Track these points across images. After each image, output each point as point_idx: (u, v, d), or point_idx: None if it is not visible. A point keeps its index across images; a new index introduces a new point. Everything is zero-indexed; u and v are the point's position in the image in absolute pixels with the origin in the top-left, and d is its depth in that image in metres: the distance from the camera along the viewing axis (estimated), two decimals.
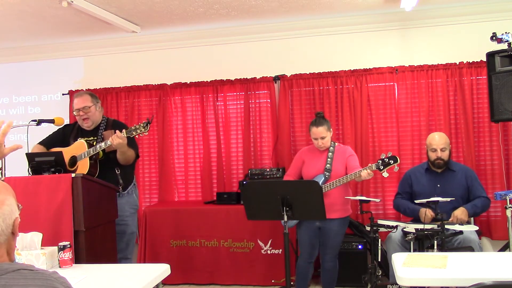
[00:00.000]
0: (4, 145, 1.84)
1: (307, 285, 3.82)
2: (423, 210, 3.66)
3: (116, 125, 3.61)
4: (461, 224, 3.49)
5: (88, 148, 3.37)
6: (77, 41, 5.23)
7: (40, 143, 3.62)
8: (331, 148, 3.65)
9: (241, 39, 5.00)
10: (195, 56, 5.13)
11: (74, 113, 3.57)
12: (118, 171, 3.50)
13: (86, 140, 3.46)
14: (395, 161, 3.40)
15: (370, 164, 3.48)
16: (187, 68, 5.13)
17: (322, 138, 3.58)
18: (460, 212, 3.60)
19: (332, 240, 3.60)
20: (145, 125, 3.24)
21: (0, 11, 4.10)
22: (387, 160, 3.40)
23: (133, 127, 3.28)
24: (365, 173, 3.38)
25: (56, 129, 3.73)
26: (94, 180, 3.13)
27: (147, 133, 3.31)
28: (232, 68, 5.01)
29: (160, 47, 5.18)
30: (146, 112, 5.18)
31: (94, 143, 3.47)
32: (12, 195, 1.33)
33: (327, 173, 3.57)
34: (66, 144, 3.55)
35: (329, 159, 3.60)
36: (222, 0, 4.07)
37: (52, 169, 3.12)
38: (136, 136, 3.34)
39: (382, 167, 3.40)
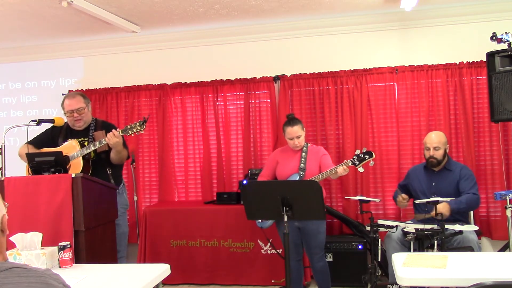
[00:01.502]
0: None
1: (302, 283, 3.83)
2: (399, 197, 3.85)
3: (106, 126, 3.63)
4: (461, 224, 3.49)
5: (80, 148, 3.38)
6: (77, 41, 5.24)
7: (30, 142, 3.59)
8: (304, 148, 3.70)
9: (241, 39, 5.00)
10: (195, 56, 5.13)
11: (67, 114, 3.55)
12: (109, 171, 3.52)
13: (77, 141, 3.47)
14: (370, 156, 3.46)
15: (345, 160, 3.54)
16: (187, 68, 5.13)
17: (298, 137, 3.63)
18: (442, 207, 3.53)
19: (315, 240, 3.60)
20: (141, 123, 3.25)
21: (0, 11, 4.10)
22: (362, 155, 3.47)
23: (129, 126, 3.29)
24: (341, 169, 3.44)
25: (44, 130, 3.73)
26: (94, 180, 3.13)
27: (143, 132, 3.32)
28: (232, 68, 5.01)
29: (160, 47, 5.18)
30: (146, 112, 5.17)
31: (86, 144, 3.47)
32: None
33: (301, 172, 3.60)
34: (55, 144, 3.56)
35: (302, 159, 3.65)
36: (222, 0, 4.07)
37: (52, 169, 3.12)
38: (132, 135, 3.35)
39: (357, 162, 3.47)
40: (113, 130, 3.27)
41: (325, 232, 3.68)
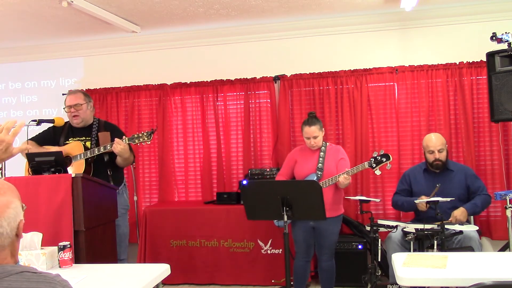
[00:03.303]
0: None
1: (305, 284, 3.83)
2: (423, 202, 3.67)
3: (109, 127, 3.64)
4: (461, 224, 3.49)
5: (84, 150, 3.39)
6: (77, 41, 5.24)
7: (32, 139, 3.62)
8: (323, 148, 3.68)
9: (241, 39, 5.00)
10: (195, 56, 5.13)
11: (65, 109, 3.58)
12: (110, 172, 3.52)
13: (79, 140, 3.48)
14: (388, 158, 3.46)
15: (363, 163, 3.54)
16: (187, 68, 5.13)
17: (315, 137, 3.61)
18: (460, 213, 3.60)
19: (327, 240, 3.61)
20: (148, 134, 3.27)
21: (0, 11, 4.10)
22: (379, 158, 3.47)
23: (135, 135, 3.30)
24: (342, 178, 3.44)
25: (47, 128, 3.74)
26: (94, 180, 3.14)
27: (149, 142, 3.33)
28: (232, 68, 5.00)
29: (160, 47, 5.18)
30: (146, 112, 5.18)
31: (88, 144, 3.48)
32: (17, 197, 1.34)
33: (319, 172, 3.59)
34: (56, 143, 3.57)
35: (321, 159, 3.63)
36: (222, 0, 4.07)
37: (52, 169, 3.12)
38: (138, 144, 3.36)
39: (374, 165, 3.47)
40: (117, 139, 3.27)
41: (338, 233, 3.68)
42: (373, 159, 3.47)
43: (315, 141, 3.62)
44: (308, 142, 3.65)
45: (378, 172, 3.49)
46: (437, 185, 3.49)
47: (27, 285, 1.18)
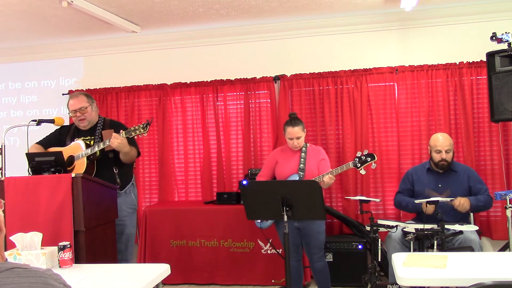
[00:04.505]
0: None
1: (302, 283, 3.84)
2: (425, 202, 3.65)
3: (114, 125, 3.62)
4: (461, 224, 3.49)
5: (85, 148, 3.38)
6: (77, 41, 5.24)
7: (38, 142, 3.62)
8: (304, 148, 3.69)
9: (241, 39, 5.00)
10: (195, 56, 5.13)
11: (70, 114, 3.56)
12: (116, 170, 3.50)
13: (83, 140, 3.47)
14: (372, 158, 3.47)
15: (347, 163, 3.55)
16: (187, 68, 5.13)
17: (298, 138, 3.62)
18: (464, 200, 3.58)
19: (314, 239, 3.60)
20: (144, 126, 3.25)
21: (0, 11, 4.10)
22: (363, 157, 3.48)
23: (132, 128, 3.28)
24: (327, 178, 3.45)
25: (53, 130, 3.74)
26: (94, 180, 3.13)
27: (146, 134, 3.31)
28: (232, 68, 5.01)
29: (160, 47, 5.18)
30: (146, 112, 5.18)
31: (92, 143, 3.47)
32: None
33: (301, 173, 3.60)
34: (63, 144, 3.56)
35: (302, 159, 3.64)
36: (222, 0, 4.07)
37: (52, 169, 3.12)
38: (135, 137, 3.34)
39: (359, 164, 3.48)
40: (114, 134, 3.27)
41: (325, 232, 3.69)
42: (357, 159, 3.49)
43: (298, 142, 3.63)
44: (291, 143, 3.66)
45: (363, 172, 3.52)
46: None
47: (18, 281, 1.18)
